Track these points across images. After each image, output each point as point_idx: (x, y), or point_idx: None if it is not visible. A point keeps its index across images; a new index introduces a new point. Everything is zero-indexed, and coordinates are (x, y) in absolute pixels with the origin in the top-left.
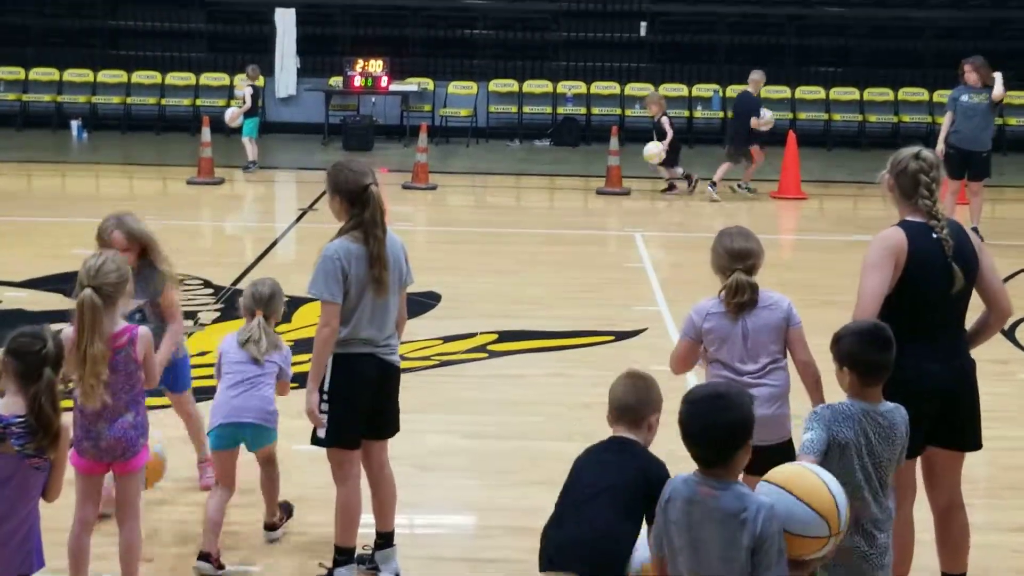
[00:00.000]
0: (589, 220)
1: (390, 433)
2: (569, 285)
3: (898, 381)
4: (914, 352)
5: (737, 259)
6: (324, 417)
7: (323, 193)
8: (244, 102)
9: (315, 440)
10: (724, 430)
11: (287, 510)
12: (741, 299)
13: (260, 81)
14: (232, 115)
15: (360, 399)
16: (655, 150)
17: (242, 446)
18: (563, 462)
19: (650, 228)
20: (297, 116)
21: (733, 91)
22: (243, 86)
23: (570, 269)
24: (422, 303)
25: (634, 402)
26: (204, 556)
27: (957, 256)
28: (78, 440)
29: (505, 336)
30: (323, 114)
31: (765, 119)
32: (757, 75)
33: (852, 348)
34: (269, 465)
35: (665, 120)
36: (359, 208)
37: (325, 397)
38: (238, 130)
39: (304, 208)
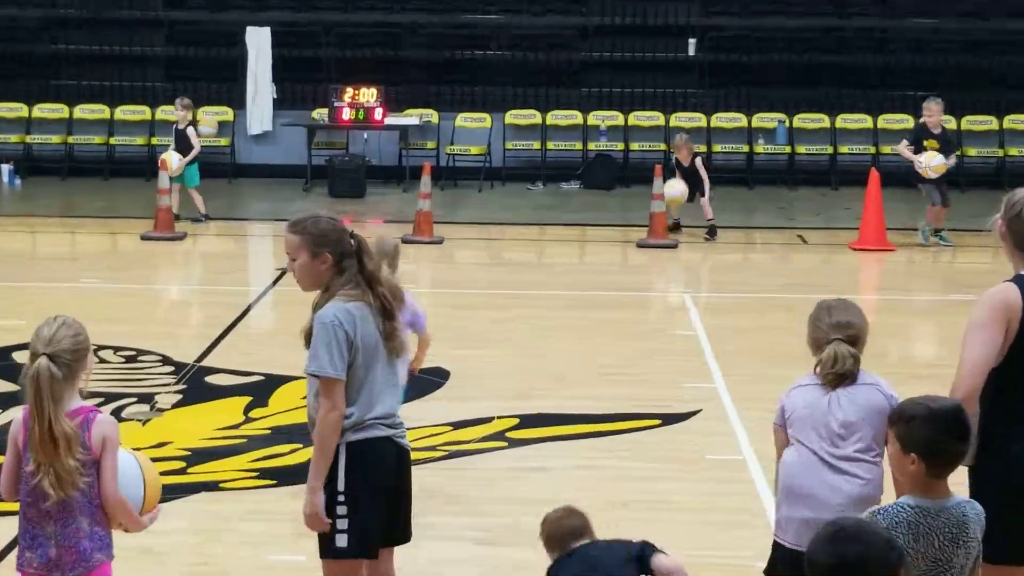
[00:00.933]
0: (628, 279)
1: (406, 538)
2: (604, 358)
3: (998, 474)
4: (1022, 438)
5: (837, 329)
6: (340, 522)
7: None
8: (193, 145)
9: (331, 551)
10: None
11: None
12: (841, 368)
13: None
14: (178, 163)
15: (383, 495)
16: (677, 191)
17: None
18: None
19: (704, 288)
20: (274, 156)
21: (802, 121)
22: (205, 120)
23: (606, 339)
24: (427, 382)
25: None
26: None
27: None
28: (20, 551)
29: (527, 421)
30: (305, 154)
31: (933, 164)
32: (935, 104)
33: (929, 433)
34: None
35: (699, 162)
36: (351, 259)
37: (340, 499)
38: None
39: (283, 268)
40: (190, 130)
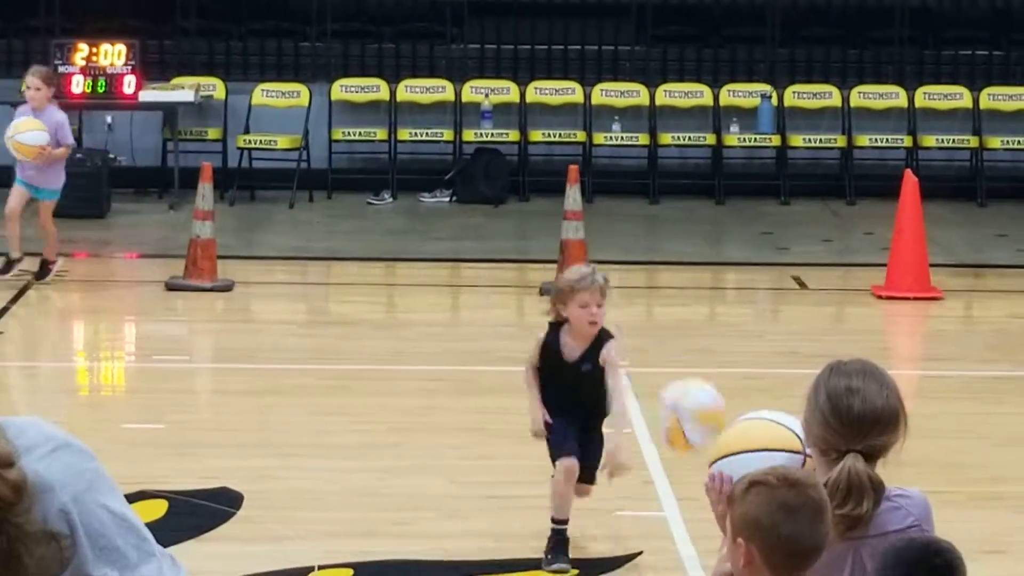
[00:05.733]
0: (528, 346)
1: None
2: (493, 473)
3: None
4: None
5: (855, 430)
6: None
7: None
8: None
9: None
10: None
11: None
12: (857, 510)
13: None
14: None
15: None
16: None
17: None
18: None
19: (643, 359)
20: None
21: (798, 96)
22: None
23: (493, 441)
24: (209, 511)
25: None
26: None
27: None
28: None
29: (366, 572)
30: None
31: None
32: None
33: None
34: None
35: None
36: None
37: None
38: None
39: None
40: None
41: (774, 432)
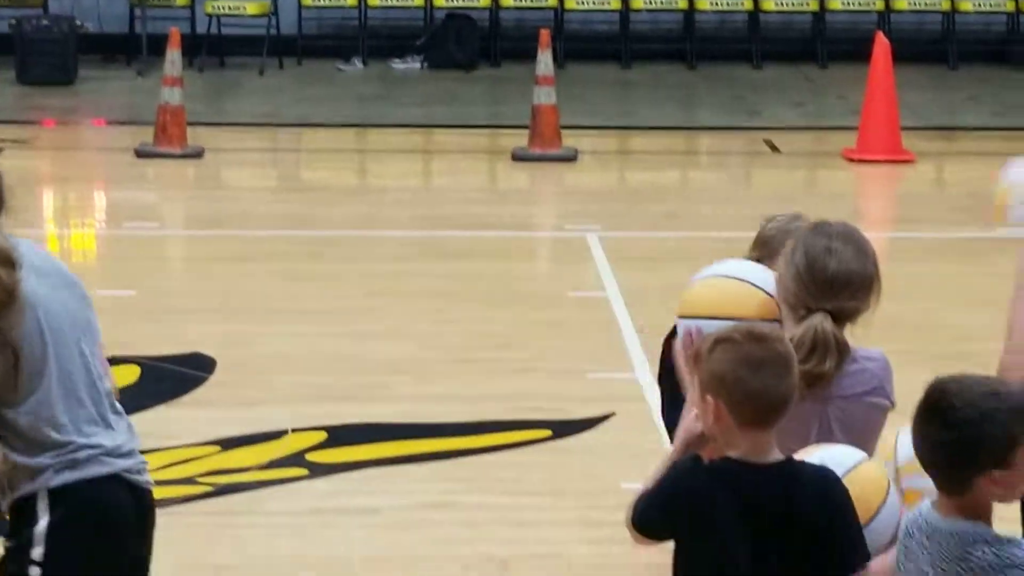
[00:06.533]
0: (500, 211)
1: None
2: (463, 336)
3: None
4: None
5: (827, 290)
6: None
7: None
8: None
9: None
10: None
11: None
12: (819, 367)
13: None
14: None
15: (111, 569)
16: None
17: None
18: None
19: (618, 224)
20: None
21: None
22: None
23: (464, 305)
24: (181, 376)
25: None
26: None
27: None
28: None
29: (340, 436)
30: None
31: None
32: None
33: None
34: None
35: None
36: None
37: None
38: None
39: None
40: None
41: (753, 297)
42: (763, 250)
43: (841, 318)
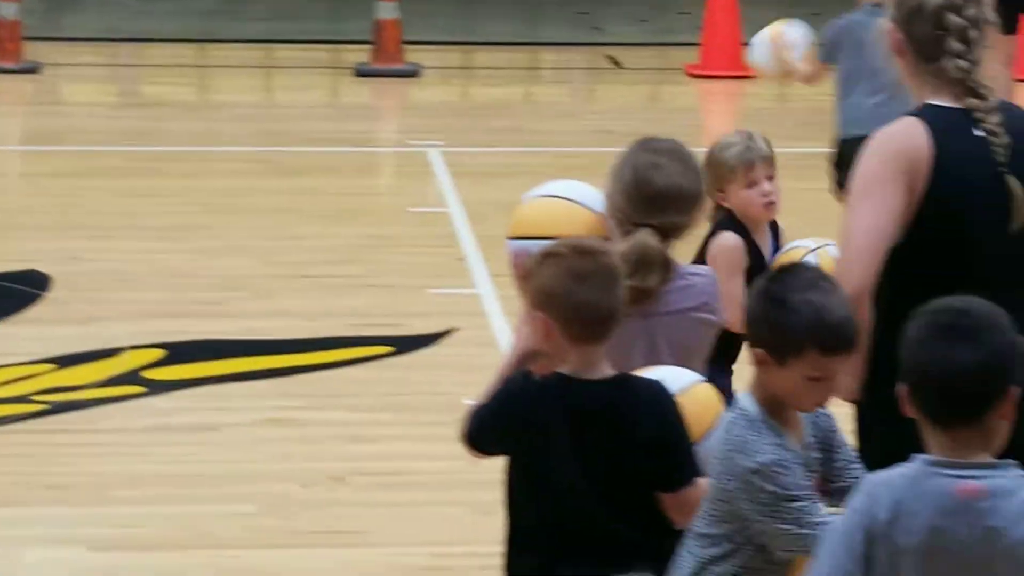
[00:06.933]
0: (341, 127)
1: None
2: (303, 252)
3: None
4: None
5: (653, 205)
6: None
7: None
8: None
9: None
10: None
11: None
12: (644, 282)
13: None
14: None
15: None
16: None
17: None
18: None
19: (460, 140)
20: None
21: None
22: None
23: (306, 221)
24: (11, 292)
25: None
26: None
27: (1018, 166)
28: None
29: (179, 353)
30: None
31: None
32: None
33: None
34: None
35: None
36: None
37: None
38: None
39: None
40: None
41: (581, 216)
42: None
43: (667, 234)
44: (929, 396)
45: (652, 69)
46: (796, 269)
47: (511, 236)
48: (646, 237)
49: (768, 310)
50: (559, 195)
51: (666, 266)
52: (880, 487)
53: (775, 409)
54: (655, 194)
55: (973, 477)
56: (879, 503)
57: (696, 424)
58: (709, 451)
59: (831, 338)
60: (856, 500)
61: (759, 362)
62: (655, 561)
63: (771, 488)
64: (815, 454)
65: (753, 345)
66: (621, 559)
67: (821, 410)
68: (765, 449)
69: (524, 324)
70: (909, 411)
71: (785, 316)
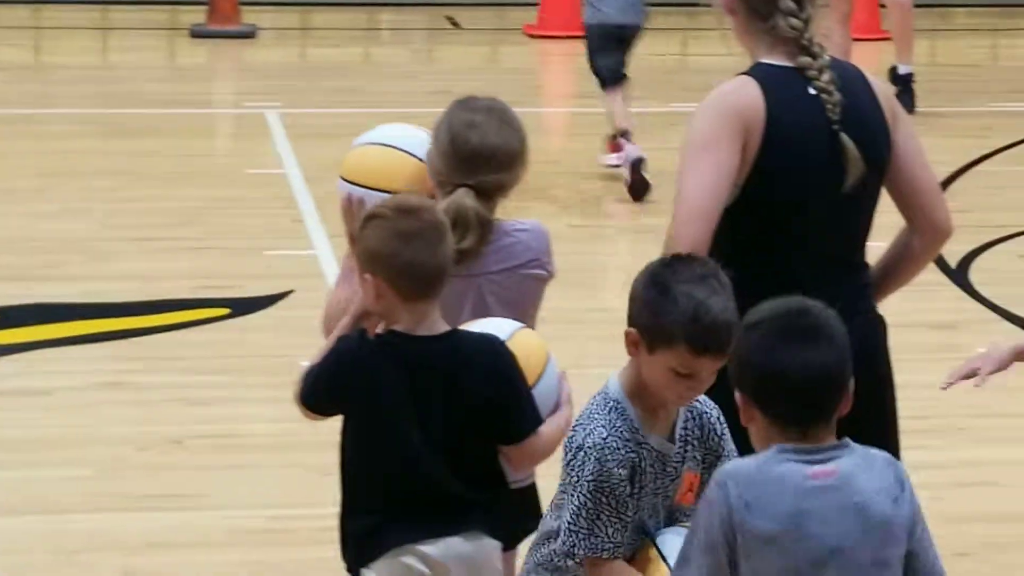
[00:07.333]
0: (177, 88)
1: None
2: (138, 215)
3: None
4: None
5: (469, 164)
6: None
7: None
8: None
9: None
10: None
11: None
12: (463, 243)
13: None
14: None
15: None
16: None
17: None
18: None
19: (297, 102)
20: None
21: None
22: None
23: (138, 183)
24: None
25: None
26: None
27: (850, 123)
28: None
29: (11, 316)
30: None
31: None
32: None
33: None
34: None
35: None
36: None
37: None
38: None
39: None
40: None
41: (407, 165)
42: None
43: (485, 193)
44: (788, 400)
45: (491, 29)
46: (690, 260)
47: (342, 177)
48: (462, 197)
49: (650, 294)
50: (387, 143)
51: (483, 226)
52: (731, 477)
53: (640, 394)
54: (471, 153)
55: (825, 460)
56: (731, 492)
57: (526, 370)
58: (541, 396)
59: (702, 338)
60: (709, 492)
61: (631, 342)
62: (488, 515)
63: (587, 472)
64: (691, 450)
65: (630, 324)
66: (455, 518)
67: (708, 409)
68: (599, 431)
69: (344, 279)
70: (752, 419)
71: (663, 305)
